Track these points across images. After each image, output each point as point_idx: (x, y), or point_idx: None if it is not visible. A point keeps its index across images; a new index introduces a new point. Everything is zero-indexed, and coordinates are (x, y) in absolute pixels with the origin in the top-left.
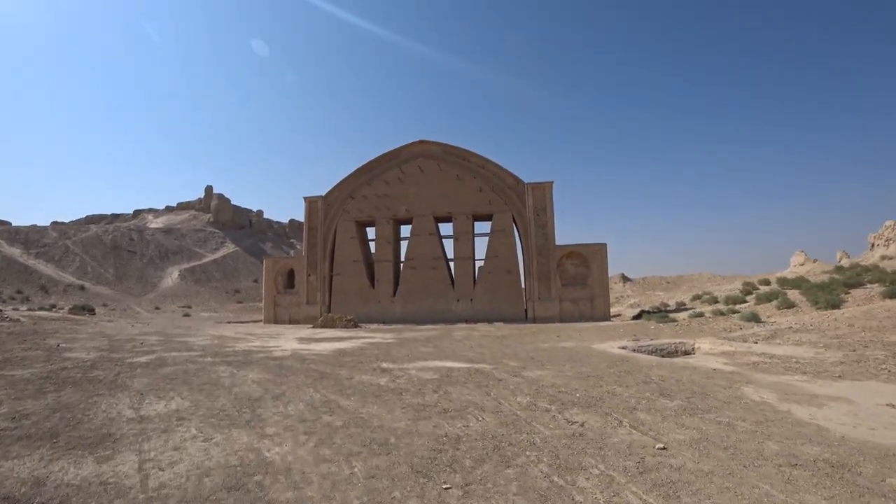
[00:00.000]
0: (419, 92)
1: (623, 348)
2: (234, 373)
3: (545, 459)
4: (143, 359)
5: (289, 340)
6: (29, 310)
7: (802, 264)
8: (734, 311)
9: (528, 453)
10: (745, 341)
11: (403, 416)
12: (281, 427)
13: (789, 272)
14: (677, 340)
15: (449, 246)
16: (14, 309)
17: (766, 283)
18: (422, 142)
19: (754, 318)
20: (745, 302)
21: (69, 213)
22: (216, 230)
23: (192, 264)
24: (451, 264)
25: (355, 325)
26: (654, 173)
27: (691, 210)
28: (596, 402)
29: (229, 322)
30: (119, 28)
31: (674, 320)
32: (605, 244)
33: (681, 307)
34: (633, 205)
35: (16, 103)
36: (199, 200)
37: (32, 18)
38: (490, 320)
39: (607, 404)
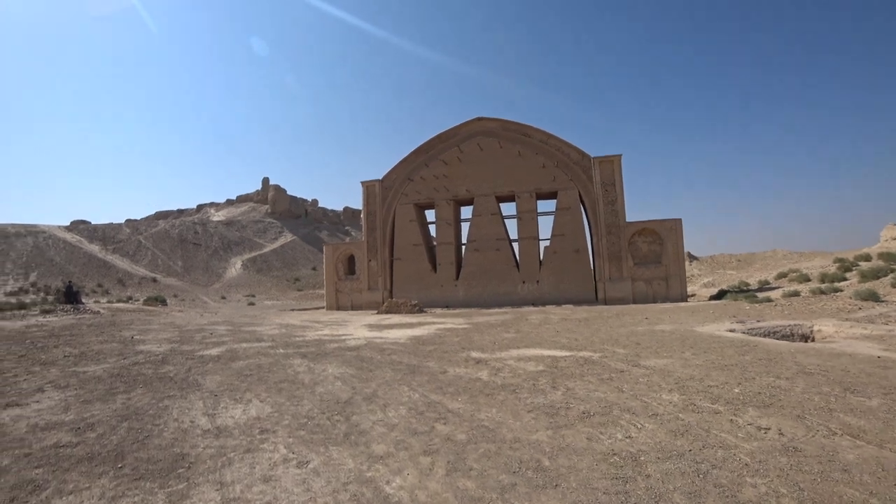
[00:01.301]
0: (476, 66)
1: (731, 331)
2: (312, 367)
3: (788, 491)
4: (214, 351)
5: (358, 328)
6: (108, 302)
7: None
8: (836, 290)
9: (755, 481)
10: (874, 322)
11: (537, 424)
12: (390, 443)
13: (879, 247)
14: (791, 322)
15: (512, 226)
16: (96, 301)
17: (866, 258)
18: (479, 119)
19: (873, 297)
20: (846, 279)
21: (140, 211)
22: (274, 220)
23: (253, 254)
24: (515, 245)
25: (420, 310)
26: (714, 146)
27: (758, 182)
28: (769, 401)
29: (292, 310)
30: (215, 39)
31: (768, 299)
32: (680, 219)
33: (764, 286)
34: (693, 180)
35: (94, 113)
36: (257, 192)
37: (116, 25)
38: (558, 303)
39: (785, 403)
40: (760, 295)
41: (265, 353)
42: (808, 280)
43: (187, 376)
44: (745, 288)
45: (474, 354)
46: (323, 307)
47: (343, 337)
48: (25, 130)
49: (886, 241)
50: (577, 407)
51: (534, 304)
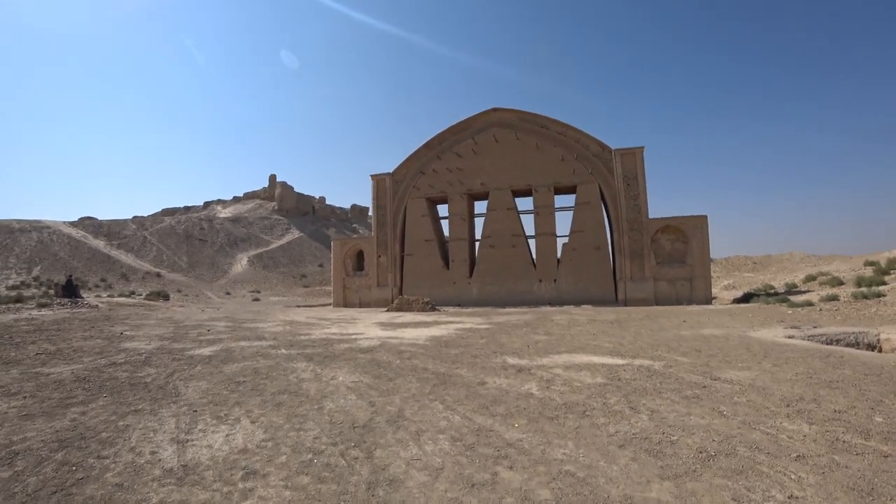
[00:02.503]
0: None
1: (791, 338)
2: (319, 372)
3: None
4: (207, 350)
5: (369, 326)
6: (109, 296)
7: None
8: (879, 295)
9: None
10: None
11: (645, 471)
12: None
13: None
14: (853, 329)
15: (528, 222)
16: (97, 296)
17: (871, 263)
18: (495, 110)
19: None
20: (885, 283)
21: (147, 209)
22: (281, 217)
23: (259, 251)
24: (531, 242)
25: (433, 309)
26: (727, 146)
27: (770, 184)
28: None
29: (298, 306)
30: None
31: (809, 303)
32: (706, 216)
33: (792, 289)
34: (704, 179)
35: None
36: (264, 189)
37: (124, 23)
38: (577, 303)
39: None
40: (795, 299)
41: (265, 353)
42: (842, 283)
43: (167, 382)
44: (770, 291)
45: (511, 360)
46: (330, 304)
47: (353, 336)
48: (34, 130)
49: None
50: (684, 441)
51: (551, 304)
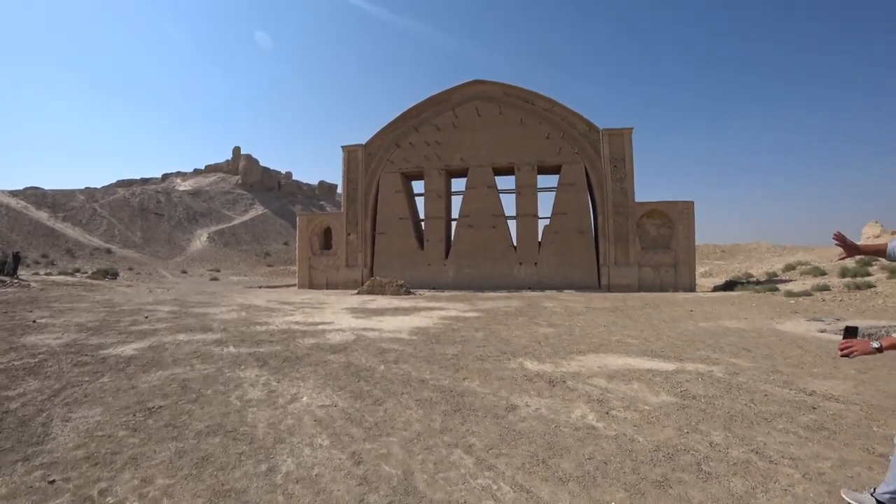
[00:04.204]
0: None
1: (822, 332)
2: (274, 388)
3: None
4: (130, 348)
5: (338, 313)
6: (48, 274)
7: (878, 236)
8: (870, 285)
9: None
10: None
11: None
12: None
13: (862, 245)
14: (883, 324)
15: (509, 202)
16: (35, 273)
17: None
18: (478, 82)
19: None
20: (871, 275)
21: (101, 181)
22: (244, 192)
23: (220, 227)
24: (511, 224)
25: (408, 292)
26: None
27: (734, 175)
28: None
29: (260, 287)
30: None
31: (807, 293)
32: (692, 202)
33: (773, 278)
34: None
35: (45, 78)
36: (227, 162)
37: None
38: (558, 288)
39: None
40: (784, 287)
41: (205, 353)
42: (824, 273)
43: (40, 411)
44: (752, 279)
45: (530, 365)
46: (294, 285)
47: (321, 327)
48: None
49: (869, 238)
50: None
51: (531, 289)
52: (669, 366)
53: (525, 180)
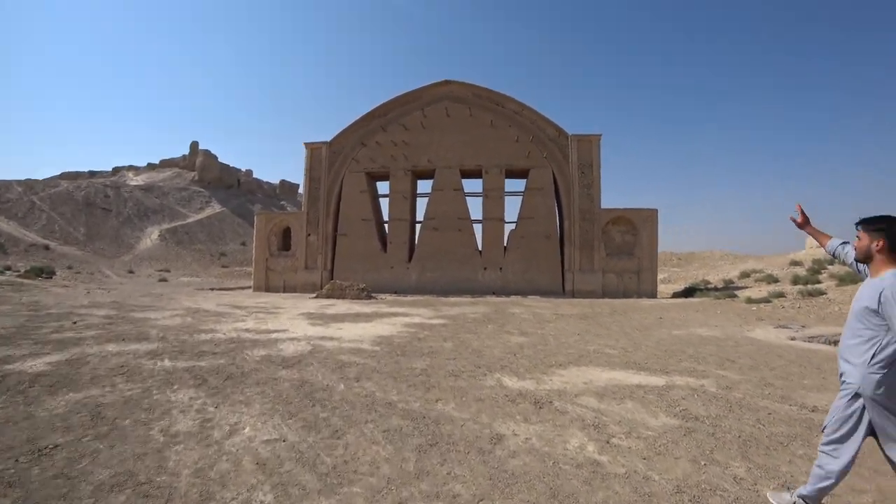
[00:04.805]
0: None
1: (793, 339)
2: (209, 414)
3: None
4: (42, 363)
5: (295, 319)
6: None
7: (818, 246)
8: (821, 292)
9: None
10: None
11: None
12: None
13: (805, 254)
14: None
15: (475, 206)
16: None
17: (799, 263)
18: (447, 82)
19: None
20: (820, 282)
21: (44, 173)
22: (201, 189)
23: (173, 224)
24: (477, 227)
25: (369, 296)
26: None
27: (685, 185)
28: None
29: (212, 289)
30: None
31: (767, 300)
32: (656, 210)
33: (730, 284)
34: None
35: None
36: (184, 157)
37: None
38: (523, 293)
39: None
40: (742, 294)
41: (134, 369)
42: (777, 280)
43: None
44: (710, 286)
45: (509, 382)
46: (250, 287)
47: (274, 335)
48: None
49: (811, 248)
50: None
51: (495, 294)
52: (658, 380)
53: (493, 183)
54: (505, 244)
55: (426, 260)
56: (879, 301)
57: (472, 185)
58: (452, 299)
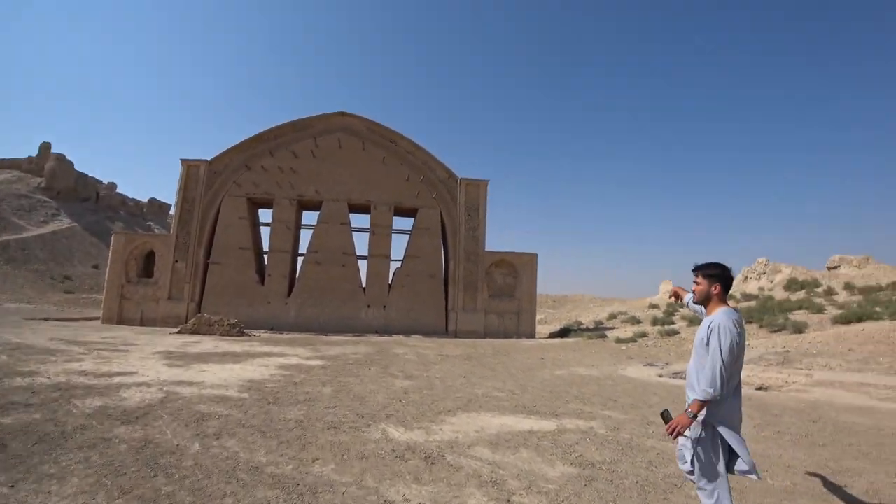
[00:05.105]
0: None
1: (661, 376)
2: None
3: None
4: None
5: (148, 358)
6: None
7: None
8: (675, 332)
9: None
10: (786, 368)
11: None
12: None
13: (659, 298)
14: None
15: (361, 241)
16: None
17: (656, 306)
18: (343, 114)
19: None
20: (674, 323)
21: None
22: (48, 199)
23: (6, 238)
24: (362, 264)
25: (241, 333)
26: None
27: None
28: None
29: (47, 319)
30: None
31: (633, 340)
32: (536, 254)
33: (599, 325)
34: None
35: None
36: (30, 159)
37: None
38: (406, 332)
39: None
40: (611, 334)
41: None
42: (639, 322)
43: None
44: (582, 327)
45: (396, 434)
46: (98, 318)
47: (118, 379)
48: None
49: (665, 293)
50: None
51: (378, 333)
52: (549, 424)
53: (380, 220)
54: (390, 282)
55: (307, 295)
56: (708, 332)
57: (360, 220)
58: (333, 338)
